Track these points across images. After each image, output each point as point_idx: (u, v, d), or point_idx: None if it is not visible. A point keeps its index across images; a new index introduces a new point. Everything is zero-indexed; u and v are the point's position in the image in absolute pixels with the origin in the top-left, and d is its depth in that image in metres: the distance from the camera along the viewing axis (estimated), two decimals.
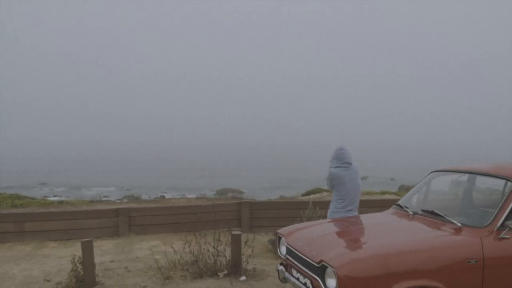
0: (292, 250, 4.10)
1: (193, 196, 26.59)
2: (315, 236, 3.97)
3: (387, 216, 4.45)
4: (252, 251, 6.10)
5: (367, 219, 4.49)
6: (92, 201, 19.48)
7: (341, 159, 4.97)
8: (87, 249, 5.47)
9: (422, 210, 4.17)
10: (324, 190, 21.58)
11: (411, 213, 4.22)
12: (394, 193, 19.50)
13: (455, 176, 4.71)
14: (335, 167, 4.98)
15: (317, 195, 19.56)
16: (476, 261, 3.40)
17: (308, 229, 4.30)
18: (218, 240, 5.96)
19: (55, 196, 33.85)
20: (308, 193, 21.01)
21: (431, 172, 4.83)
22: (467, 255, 3.41)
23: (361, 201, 5.41)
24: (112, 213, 8.55)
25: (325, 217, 7.75)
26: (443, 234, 3.63)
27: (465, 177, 4.56)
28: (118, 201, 26.04)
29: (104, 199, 27.14)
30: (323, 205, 8.40)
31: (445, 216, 3.87)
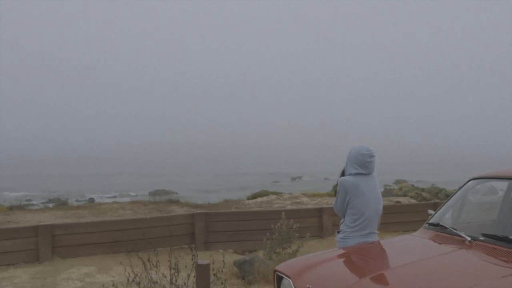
0: None
1: (126, 199, 24.43)
2: (343, 284, 2.61)
3: (428, 244, 3.16)
4: (222, 283, 4.64)
5: (401, 249, 3.19)
6: (11, 208, 17.03)
7: (366, 166, 3.49)
8: None
9: (485, 235, 2.95)
10: (271, 193, 20.40)
11: (468, 239, 2.97)
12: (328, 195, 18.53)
13: (502, 184, 3.58)
14: (354, 175, 3.51)
15: (265, 198, 18.33)
16: None
17: (324, 267, 2.93)
18: (176, 270, 4.44)
19: None
20: (254, 196, 19.74)
21: (470, 180, 3.65)
22: None
23: None
24: (30, 231, 6.69)
25: (301, 230, 6.46)
26: None
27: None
28: (42, 205, 23.45)
29: (26, 203, 24.40)
30: (295, 215, 7.19)
31: None
